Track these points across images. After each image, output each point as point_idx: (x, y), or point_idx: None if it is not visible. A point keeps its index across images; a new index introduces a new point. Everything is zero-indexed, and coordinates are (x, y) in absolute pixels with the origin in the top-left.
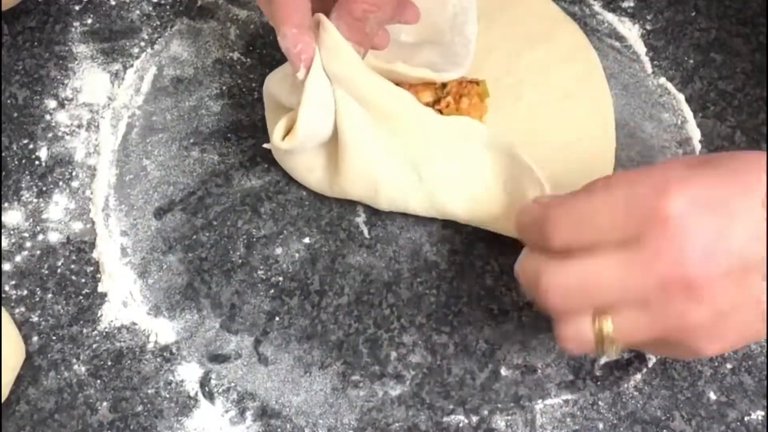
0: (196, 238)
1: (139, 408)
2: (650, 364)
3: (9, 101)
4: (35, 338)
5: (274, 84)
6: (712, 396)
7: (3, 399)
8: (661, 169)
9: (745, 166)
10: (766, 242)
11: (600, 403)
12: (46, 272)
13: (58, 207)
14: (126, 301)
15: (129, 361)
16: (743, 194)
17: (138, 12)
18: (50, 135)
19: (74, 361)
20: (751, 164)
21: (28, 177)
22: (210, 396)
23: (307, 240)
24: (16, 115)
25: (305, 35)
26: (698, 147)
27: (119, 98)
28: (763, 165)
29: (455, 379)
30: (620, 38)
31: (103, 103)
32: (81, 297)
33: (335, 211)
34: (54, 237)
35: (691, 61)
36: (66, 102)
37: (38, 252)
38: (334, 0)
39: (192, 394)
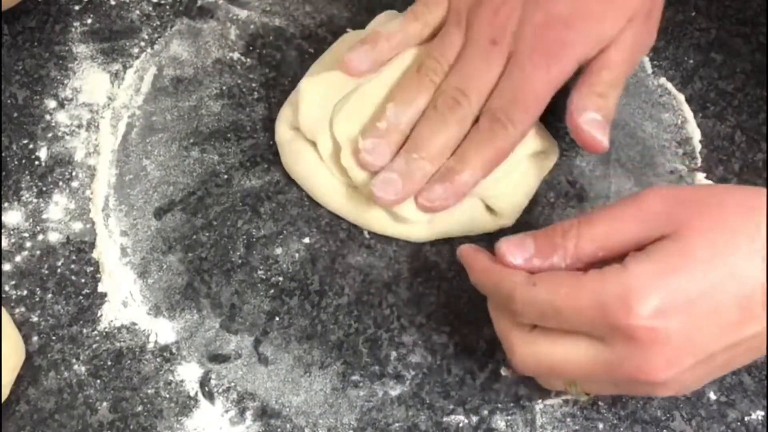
0: (196, 238)
1: (139, 408)
2: None
3: (9, 101)
4: (35, 338)
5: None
6: (712, 396)
7: (3, 399)
8: (627, 275)
9: (715, 257)
10: (731, 335)
11: (600, 403)
12: (46, 272)
13: (58, 207)
14: (126, 301)
15: (129, 361)
16: (708, 292)
17: (138, 12)
18: (50, 135)
19: (74, 361)
20: (721, 248)
21: (28, 177)
22: (210, 396)
23: (307, 240)
24: (16, 115)
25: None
26: (698, 147)
27: (119, 98)
28: (736, 248)
29: (455, 379)
30: None
31: (103, 103)
32: (81, 297)
33: None
34: (54, 237)
35: (691, 61)
36: (66, 102)
37: (38, 252)
38: None
39: (192, 394)
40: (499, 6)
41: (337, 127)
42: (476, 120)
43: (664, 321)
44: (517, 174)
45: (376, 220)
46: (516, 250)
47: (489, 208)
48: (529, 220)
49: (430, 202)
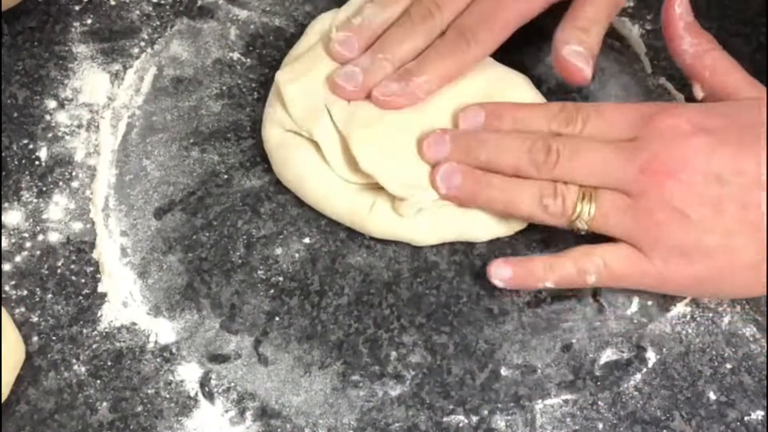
0: (196, 238)
1: (139, 408)
2: (650, 364)
3: (9, 101)
4: (35, 338)
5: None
6: (712, 396)
7: (3, 399)
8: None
9: (748, 110)
10: (748, 178)
11: (600, 403)
12: (46, 272)
13: (58, 207)
14: (126, 301)
15: (129, 361)
16: (741, 130)
17: (138, 12)
18: (50, 135)
19: (74, 361)
20: (753, 108)
21: (28, 177)
22: (210, 396)
23: (307, 240)
24: (16, 115)
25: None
26: None
27: (119, 98)
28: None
29: (455, 379)
30: (620, 38)
31: (103, 103)
32: (81, 297)
33: None
34: (54, 237)
35: None
36: (66, 102)
37: (38, 252)
38: None
39: (192, 394)
40: None
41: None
42: (443, 33)
43: (693, 128)
44: None
45: (378, 225)
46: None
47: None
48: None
49: (383, 96)
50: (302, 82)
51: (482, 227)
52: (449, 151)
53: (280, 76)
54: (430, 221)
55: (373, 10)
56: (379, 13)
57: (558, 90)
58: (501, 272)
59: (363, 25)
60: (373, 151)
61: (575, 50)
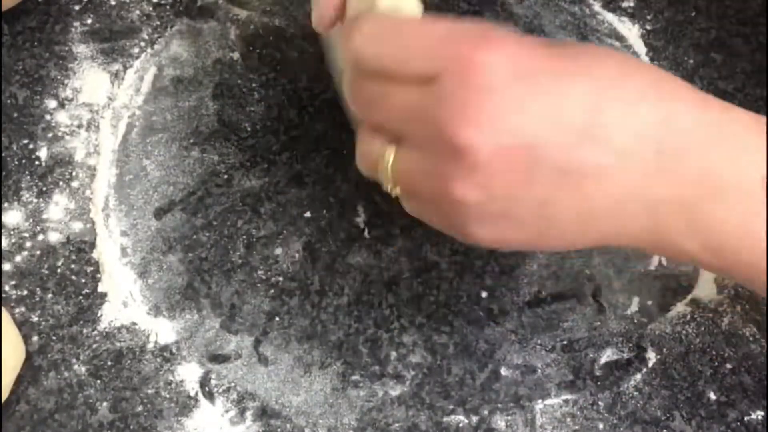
0: (196, 238)
1: (139, 408)
2: (650, 364)
3: (9, 101)
4: (35, 338)
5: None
6: (712, 396)
7: (3, 399)
8: (504, 28)
9: (597, 64)
10: (568, 138)
11: (600, 403)
12: (46, 272)
13: (58, 207)
14: (126, 301)
15: (129, 361)
16: (567, 80)
17: (138, 12)
18: (50, 135)
19: (74, 361)
20: (606, 66)
21: (28, 177)
22: (210, 396)
23: (307, 240)
24: (16, 115)
25: None
26: None
27: (119, 98)
28: (618, 66)
29: (455, 379)
30: (620, 38)
31: (103, 103)
32: (81, 297)
33: (335, 211)
34: (54, 237)
35: (691, 61)
36: (66, 102)
37: (38, 252)
38: None
39: (192, 394)
40: None
41: None
42: None
43: (507, 76)
44: None
45: None
46: None
47: None
48: None
49: None
50: None
51: None
52: None
53: None
54: None
55: None
56: None
57: None
58: None
59: None
60: None
61: None
